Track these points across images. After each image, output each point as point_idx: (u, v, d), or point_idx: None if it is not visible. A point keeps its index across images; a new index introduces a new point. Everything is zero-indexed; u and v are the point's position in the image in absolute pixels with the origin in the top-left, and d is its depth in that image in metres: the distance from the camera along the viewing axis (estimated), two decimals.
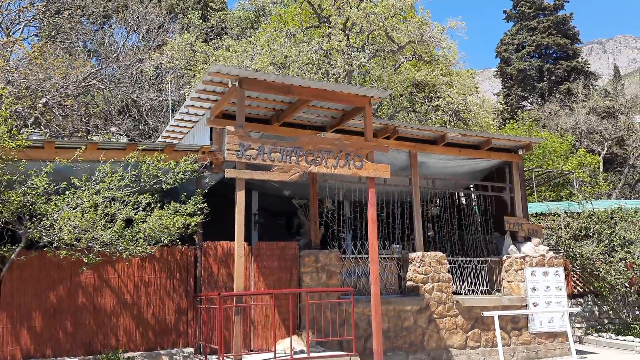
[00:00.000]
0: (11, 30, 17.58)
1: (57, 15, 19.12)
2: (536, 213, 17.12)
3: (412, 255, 10.47)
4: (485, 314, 9.81)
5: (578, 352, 11.18)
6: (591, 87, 37.95)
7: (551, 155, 25.09)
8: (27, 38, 18.62)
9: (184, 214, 7.76)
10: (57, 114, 16.62)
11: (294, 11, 24.06)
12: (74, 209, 7.04)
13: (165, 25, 24.41)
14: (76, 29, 20.21)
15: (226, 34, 27.69)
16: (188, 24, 28.03)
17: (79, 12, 19.91)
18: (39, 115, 15.68)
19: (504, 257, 11.47)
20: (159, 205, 7.68)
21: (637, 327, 13.54)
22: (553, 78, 39.15)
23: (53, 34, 19.54)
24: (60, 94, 15.87)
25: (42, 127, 16.52)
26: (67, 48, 19.69)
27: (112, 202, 7.37)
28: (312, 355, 7.61)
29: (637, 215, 14.51)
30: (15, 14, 17.43)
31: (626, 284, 13.67)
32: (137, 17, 22.40)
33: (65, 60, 17.34)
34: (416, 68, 23.08)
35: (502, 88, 42.04)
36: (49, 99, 15.71)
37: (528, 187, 18.83)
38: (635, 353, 12.15)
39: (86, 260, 7.11)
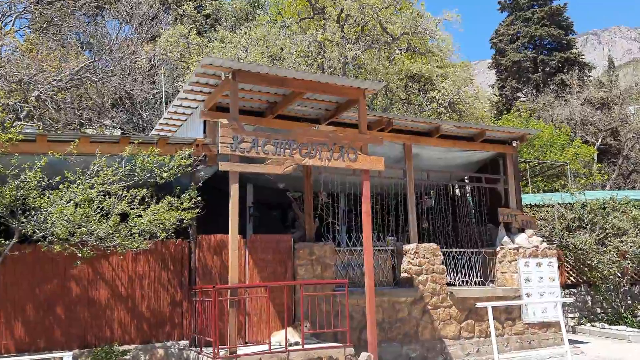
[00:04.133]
0: (2, 22, 17.42)
1: (49, 7, 18.95)
2: (530, 204, 17.19)
3: (406, 247, 10.51)
4: (479, 304, 9.86)
5: (571, 341, 11.28)
6: (585, 78, 37.99)
7: (547, 146, 25.15)
8: (18, 30, 18.48)
9: (179, 209, 7.74)
10: (50, 107, 16.52)
11: (289, 2, 23.96)
12: (67, 203, 7.01)
13: (159, 16, 24.24)
14: (68, 20, 20.03)
15: (220, 25, 27.52)
16: (182, 15, 27.84)
17: (71, 4, 19.71)
18: (32, 109, 15.59)
19: (498, 249, 11.53)
20: (154, 199, 7.66)
21: (629, 316, 13.66)
22: (547, 69, 39.19)
23: (45, 26, 19.37)
24: (53, 86, 15.77)
25: (35, 120, 16.42)
26: (59, 40, 19.53)
27: (106, 196, 7.35)
28: (306, 347, 7.65)
29: (629, 205, 14.59)
30: (6, 6, 17.27)
31: (619, 274, 13.78)
32: (130, 9, 22.23)
33: (58, 52, 17.20)
34: (411, 60, 23.06)
35: (497, 79, 42.05)
36: (41, 92, 15.60)
37: (523, 179, 18.90)
38: (628, 342, 12.27)
39: (80, 255, 7.10)
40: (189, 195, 8.01)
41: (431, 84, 23.06)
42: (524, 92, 39.37)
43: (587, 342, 12.35)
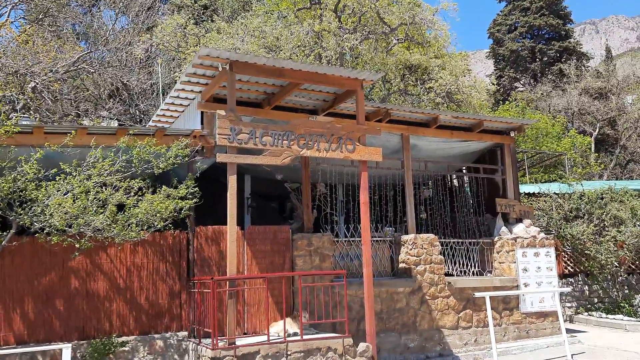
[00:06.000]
0: None
1: None
2: (528, 193, 17.23)
3: (404, 237, 10.52)
4: (477, 295, 9.90)
5: (568, 330, 11.34)
6: (583, 68, 37.95)
7: (544, 136, 25.17)
8: (14, 22, 18.33)
9: (175, 198, 7.74)
10: (46, 98, 16.43)
11: None
12: (64, 194, 7.00)
13: (155, 6, 24.08)
14: (64, 11, 19.88)
15: (217, 15, 27.37)
16: (179, 5, 27.66)
17: None
18: (28, 100, 15.51)
19: (496, 239, 11.55)
20: (150, 190, 7.65)
21: (626, 305, 13.73)
22: (545, 59, 39.13)
23: (41, 17, 19.23)
24: (50, 78, 15.68)
25: (31, 112, 16.35)
26: (55, 31, 19.40)
27: (104, 187, 7.34)
28: (305, 337, 7.66)
29: (626, 195, 14.62)
30: None
31: (616, 264, 13.84)
32: None
33: (54, 43, 17.10)
34: (408, 50, 22.98)
35: (495, 69, 41.99)
36: (37, 83, 15.52)
37: (521, 168, 18.92)
38: (625, 331, 12.34)
39: (78, 246, 7.10)
40: (186, 185, 8.00)
41: (429, 74, 22.99)
42: (521, 81, 39.34)
43: (584, 331, 12.43)
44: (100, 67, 18.90)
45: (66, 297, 7.86)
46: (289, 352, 7.35)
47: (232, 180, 7.50)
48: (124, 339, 7.97)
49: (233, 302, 7.44)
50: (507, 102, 31.51)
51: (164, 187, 7.76)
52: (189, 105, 9.94)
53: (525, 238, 11.48)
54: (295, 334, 7.77)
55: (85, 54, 18.35)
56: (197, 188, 8.16)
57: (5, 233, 7.18)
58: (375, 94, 24.01)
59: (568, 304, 14.37)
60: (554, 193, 15.44)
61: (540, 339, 11.01)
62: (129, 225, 7.30)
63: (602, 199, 14.48)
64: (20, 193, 6.98)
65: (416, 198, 11.84)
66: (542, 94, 32.86)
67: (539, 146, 24.02)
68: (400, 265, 10.43)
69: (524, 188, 17.37)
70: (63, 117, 18.11)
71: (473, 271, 11.42)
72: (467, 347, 10.47)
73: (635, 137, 30.61)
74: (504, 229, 11.61)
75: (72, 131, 7.59)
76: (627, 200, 14.34)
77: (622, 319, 12.97)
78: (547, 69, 38.09)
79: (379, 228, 11.12)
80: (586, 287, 14.72)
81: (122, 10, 22.10)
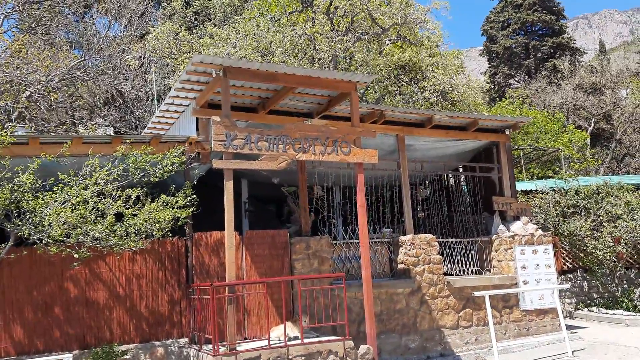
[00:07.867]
0: None
1: (37, 7, 18.76)
2: (525, 191, 17.27)
3: (402, 238, 10.54)
4: (476, 293, 9.92)
5: (568, 327, 11.36)
6: (577, 63, 38.08)
7: (542, 133, 25.23)
8: (7, 31, 18.31)
9: (174, 207, 7.74)
10: (41, 107, 16.42)
11: None
12: (62, 204, 7.00)
13: (148, 13, 24.07)
14: (57, 19, 19.87)
15: (210, 19, 27.37)
16: (171, 11, 27.65)
17: (59, 3, 19.53)
18: (23, 109, 15.49)
19: (494, 237, 11.57)
20: (149, 198, 7.65)
21: (625, 300, 13.77)
22: (539, 55, 39.25)
23: (33, 25, 19.21)
24: (45, 86, 15.67)
25: (26, 121, 16.33)
26: (48, 40, 19.38)
27: (101, 196, 7.33)
28: (306, 341, 7.67)
29: (622, 190, 14.66)
30: None
31: (614, 259, 13.87)
32: (119, 6, 22.05)
33: (48, 52, 17.08)
34: (401, 50, 23.02)
35: (489, 67, 42.10)
36: (32, 92, 15.50)
37: (517, 165, 18.97)
38: (625, 326, 12.38)
39: (77, 256, 7.09)
40: (183, 193, 8.00)
41: (422, 73, 23.02)
42: (516, 78, 39.46)
43: (584, 327, 12.46)
44: (95, 75, 18.89)
45: (66, 306, 7.85)
46: (290, 356, 7.36)
47: (228, 186, 7.51)
48: (125, 347, 7.96)
49: (233, 307, 7.45)
50: (503, 100, 31.59)
51: (162, 196, 7.76)
52: (184, 111, 9.95)
53: (523, 235, 11.51)
54: (295, 338, 7.77)
55: (80, 61, 18.34)
56: (194, 194, 8.17)
57: (3, 245, 7.17)
58: (370, 95, 24.04)
59: (568, 300, 14.40)
60: (551, 189, 15.47)
61: (540, 336, 11.04)
62: (127, 234, 7.30)
63: (598, 194, 14.52)
64: (18, 204, 6.98)
65: (413, 198, 11.85)
66: (536, 90, 32.96)
67: (538, 143, 24.06)
68: (399, 266, 10.45)
69: (521, 186, 17.41)
70: (59, 126, 18.09)
71: (472, 270, 11.44)
72: (468, 346, 10.49)
73: (630, 131, 30.72)
74: (501, 227, 11.63)
75: (68, 141, 7.60)
76: (623, 195, 14.37)
77: (622, 314, 13.01)
78: (541, 65, 38.21)
79: (377, 229, 11.13)
80: (585, 283, 14.76)
81: (114, 17, 22.09)
